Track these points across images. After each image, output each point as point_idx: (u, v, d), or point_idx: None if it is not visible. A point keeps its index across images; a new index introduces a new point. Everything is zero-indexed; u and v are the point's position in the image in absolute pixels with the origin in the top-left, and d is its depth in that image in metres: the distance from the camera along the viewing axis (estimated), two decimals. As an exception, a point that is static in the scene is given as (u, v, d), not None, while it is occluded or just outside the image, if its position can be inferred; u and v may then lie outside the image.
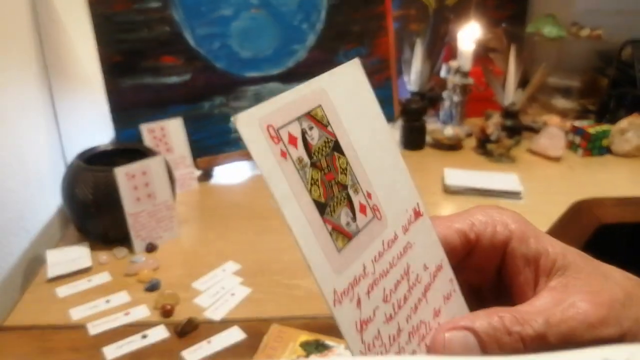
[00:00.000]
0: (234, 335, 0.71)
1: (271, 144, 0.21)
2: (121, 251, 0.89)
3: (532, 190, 1.14)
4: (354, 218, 0.24)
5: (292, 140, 0.22)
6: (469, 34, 1.38)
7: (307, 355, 0.66)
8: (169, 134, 1.09)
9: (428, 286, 0.27)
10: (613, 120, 1.39)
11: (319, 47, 1.22)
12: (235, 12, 1.14)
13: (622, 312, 0.25)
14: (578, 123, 1.40)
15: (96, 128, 1.19)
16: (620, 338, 0.24)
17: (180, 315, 0.74)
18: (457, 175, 1.17)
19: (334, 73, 0.25)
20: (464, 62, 1.37)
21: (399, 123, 1.36)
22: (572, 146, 1.37)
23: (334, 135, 0.24)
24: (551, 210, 1.05)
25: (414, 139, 1.37)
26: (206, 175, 1.18)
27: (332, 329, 0.70)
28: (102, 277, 0.83)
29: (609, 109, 1.48)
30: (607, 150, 1.36)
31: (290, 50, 1.20)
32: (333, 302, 0.22)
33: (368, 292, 0.24)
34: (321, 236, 0.22)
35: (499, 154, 1.30)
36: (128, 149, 0.99)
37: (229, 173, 1.21)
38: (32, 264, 0.88)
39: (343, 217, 0.24)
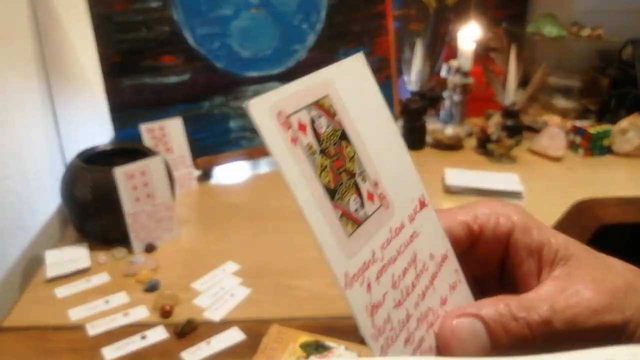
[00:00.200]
0: (234, 336, 0.71)
1: (281, 130, 0.22)
2: (120, 251, 0.88)
3: (532, 191, 1.14)
4: (362, 205, 0.24)
5: (302, 127, 0.23)
6: (469, 34, 1.38)
7: (307, 356, 0.66)
8: (169, 133, 1.09)
9: (435, 275, 0.27)
10: (614, 120, 1.39)
11: (319, 46, 1.22)
12: (235, 11, 1.14)
13: (625, 300, 0.25)
14: (579, 123, 1.40)
15: (95, 128, 1.19)
16: (624, 325, 0.25)
17: (180, 315, 0.74)
18: (458, 175, 1.17)
19: (340, 65, 0.25)
20: (464, 61, 1.37)
21: (399, 123, 1.36)
22: (572, 146, 1.37)
23: (341, 124, 0.24)
24: (552, 211, 1.05)
25: (414, 139, 1.36)
26: (206, 175, 1.18)
27: (332, 330, 0.70)
28: (101, 278, 0.83)
29: (609, 108, 1.48)
30: (608, 150, 1.36)
31: (290, 50, 1.20)
32: (344, 285, 0.22)
33: (377, 278, 0.24)
34: (332, 220, 0.23)
35: (500, 154, 1.30)
36: (127, 148, 0.99)
37: (229, 173, 1.21)
38: (31, 264, 0.88)
39: (352, 203, 0.24)
